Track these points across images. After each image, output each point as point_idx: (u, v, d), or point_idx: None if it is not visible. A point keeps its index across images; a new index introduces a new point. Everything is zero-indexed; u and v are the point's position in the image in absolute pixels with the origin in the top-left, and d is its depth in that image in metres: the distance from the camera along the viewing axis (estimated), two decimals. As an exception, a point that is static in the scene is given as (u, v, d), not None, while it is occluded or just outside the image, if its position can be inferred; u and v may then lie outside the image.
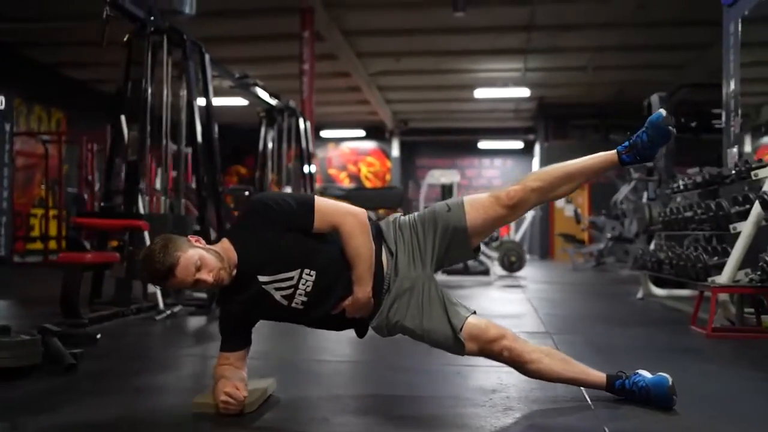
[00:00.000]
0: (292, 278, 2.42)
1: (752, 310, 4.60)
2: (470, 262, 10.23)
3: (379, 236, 2.56)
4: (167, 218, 5.28)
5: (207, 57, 5.74)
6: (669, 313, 5.61)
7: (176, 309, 5.05)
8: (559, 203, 18.32)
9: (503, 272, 9.74)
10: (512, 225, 13.51)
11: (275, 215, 2.38)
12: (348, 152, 21.05)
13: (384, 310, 2.53)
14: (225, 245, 2.43)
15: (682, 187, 6.32)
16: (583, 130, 18.81)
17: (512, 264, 9.53)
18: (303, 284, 2.43)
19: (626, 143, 2.55)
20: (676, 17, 11.96)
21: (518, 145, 20.51)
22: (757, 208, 4.49)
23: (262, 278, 2.42)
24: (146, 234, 4.79)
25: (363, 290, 2.44)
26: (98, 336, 3.72)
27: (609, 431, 2.16)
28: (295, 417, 2.37)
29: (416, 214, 2.65)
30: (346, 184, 19.88)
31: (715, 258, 4.85)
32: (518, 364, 2.51)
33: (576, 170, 2.60)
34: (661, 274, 6.07)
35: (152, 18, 5.19)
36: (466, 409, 2.48)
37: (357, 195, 7.73)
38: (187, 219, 5.69)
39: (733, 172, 5.10)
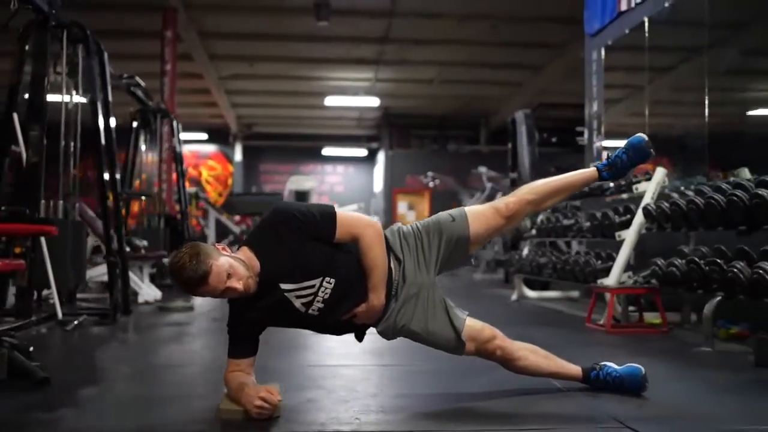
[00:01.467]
0: (313, 286, 2.50)
1: (634, 308, 5.19)
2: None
3: (386, 245, 2.69)
4: (66, 223, 5.01)
5: (105, 54, 5.50)
6: (552, 313, 6.11)
7: (81, 318, 4.82)
8: (402, 209, 19.00)
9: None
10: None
11: (301, 225, 2.45)
12: (188, 155, 20.46)
13: (392, 315, 2.66)
14: (247, 254, 2.46)
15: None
16: (423, 140, 19.71)
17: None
18: (322, 292, 2.51)
19: (605, 162, 2.85)
20: (524, 40, 12.90)
21: (362, 152, 20.99)
22: (639, 218, 5.07)
23: (285, 286, 2.48)
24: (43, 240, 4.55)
25: (378, 297, 2.57)
26: (31, 348, 3.51)
27: (609, 415, 2.44)
28: (321, 418, 2.44)
29: (418, 223, 2.80)
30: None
31: (599, 262, 5.39)
32: (508, 361, 2.75)
33: (563, 185, 2.88)
34: (540, 278, 6.61)
35: (54, 11, 4.92)
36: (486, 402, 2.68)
37: (237, 201, 7.65)
38: (82, 223, 5.42)
39: (611, 185, 5.69)
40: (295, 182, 11.02)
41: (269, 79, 15.33)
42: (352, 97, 16.01)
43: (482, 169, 11.42)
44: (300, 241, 2.46)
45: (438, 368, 3.25)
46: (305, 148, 20.62)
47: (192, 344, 4.38)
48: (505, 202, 2.80)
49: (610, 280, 5.07)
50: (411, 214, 19.01)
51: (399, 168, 18.59)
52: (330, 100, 16.03)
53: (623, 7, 6.48)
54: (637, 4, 6.28)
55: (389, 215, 18.49)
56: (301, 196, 10.60)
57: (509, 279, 8.68)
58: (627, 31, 6.53)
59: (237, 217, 12.10)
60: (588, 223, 5.78)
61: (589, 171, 2.88)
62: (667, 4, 5.87)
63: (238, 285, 2.37)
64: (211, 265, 2.32)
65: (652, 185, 5.17)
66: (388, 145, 19.12)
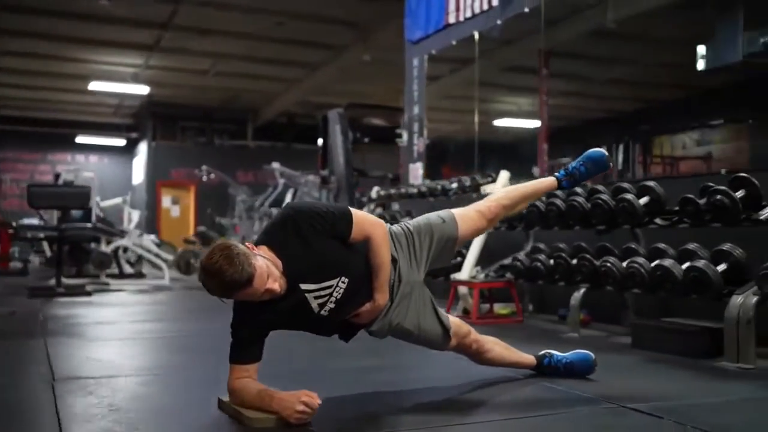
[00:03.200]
0: (331, 286, 2.47)
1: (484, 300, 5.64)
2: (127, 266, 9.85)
3: None
4: None
5: None
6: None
7: None
8: (166, 203, 18.23)
9: (179, 275, 9.57)
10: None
11: (323, 224, 2.41)
12: None
13: (388, 314, 2.71)
14: (268, 253, 2.36)
15: (375, 196, 7.21)
16: (186, 132, 19.05)
17: (189, 266, 9.44)
18: (337, 292, 2.49)
19: (563, 172, 3.11)
20: (305, 38, 13.09)
21: (120, 142, 19.73)
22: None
23: (305, 286, 2.42)
24: None
25: (384, 297, 2.60)
26: None
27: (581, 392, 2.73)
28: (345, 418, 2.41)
29: (408, 224, 2.86)
30: None
31: (458, 258, 5.77)
32: (479, 353, 2.95)
33: (530, 192, 3.11)
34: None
35: None
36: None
37: (39, 192, 6.89)
38: None
39: (454, 185, 6.12)
40: (73, 173, 10.07)
41: (26, 57, 13.85)
42: (120, 83, 15.02)
43: (275, 165, 11.40)
44: (321, 240, 2.42)
45: (384, 365, 3.32)
46: (56, 135, 18.86)
47: None
48: (487, 206, 2.97)
49: (463, 275, 5.46)
50: (175, 208, 18.33)
51: (163, 160, 17.80)
52: (95, 85, 14.88)
53: (451, 20, 6.96)
54: (467, 19, 6.78)
55: (153, 209, 17.65)
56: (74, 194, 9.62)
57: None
58: (454, 43, 7.02)
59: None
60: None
61: (550, 180, 3.11)
62: (499, 22, 6.43)
63: (276, 286, 2.29)
64: (255, 266, 2.21)
65: (498, 186, 5.66)
66: (151, 135, 18.20)
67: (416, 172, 7.45)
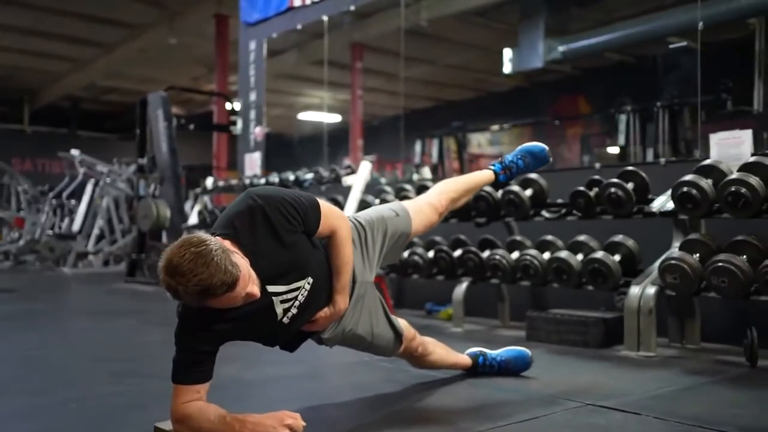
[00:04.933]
0: (298, 288, 2.12)
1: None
2: None
3: None
4: None
5: None
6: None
7: None
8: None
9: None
10: None
11: (295, 215, 2.04)
12: None
13: (343, 319, 2.38)
14: (235, 249, 1.94)
15: (211, 187, 6.72)
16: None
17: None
18: (302, 295, 2.14)
19: (499, 166, 2.94)
20: (102, 14, 11.98)
21: None
22: (349, 209, 5.30)
23: (274, 288, 2.04)
24: None
25: (345, 300, 2.29)
26: None
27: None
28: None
29: (356, 218, 2.53)
30: None
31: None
32: (423, 356, 2.73)
33: (472, 185, 2.91)
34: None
35: None
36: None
37: None
38: None
39: (309, 176, 5.81)
40: None
41: None
42: None
43: (75, 153, 10.25)
44: (295, 234, 2.06)
45: (305, 372, 2.98)
46: None
47: None
48: (438, 199, 2.74)
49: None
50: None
51: None
52: None
53: (296, 3, 6.61)
54: (314, 2, 6.48)
55: None
56: None
57: (138, 273, 8.04)
58: (299, 27, 6.69)
59: None
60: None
61: (488, 173, 2.93)
62: (352, 8, 6.21)
63: (256, 290, 1.90)
64: (239, 266, 1.81)
65: (360, 178, 5.45)
66: None
67: (254, 162, 7.01)
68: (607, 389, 2.78)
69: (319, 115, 16.27)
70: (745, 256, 3.32)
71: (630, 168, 3.94)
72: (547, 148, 2.94)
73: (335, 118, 17.15)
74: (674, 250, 3.62)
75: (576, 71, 12.91)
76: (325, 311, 2.25)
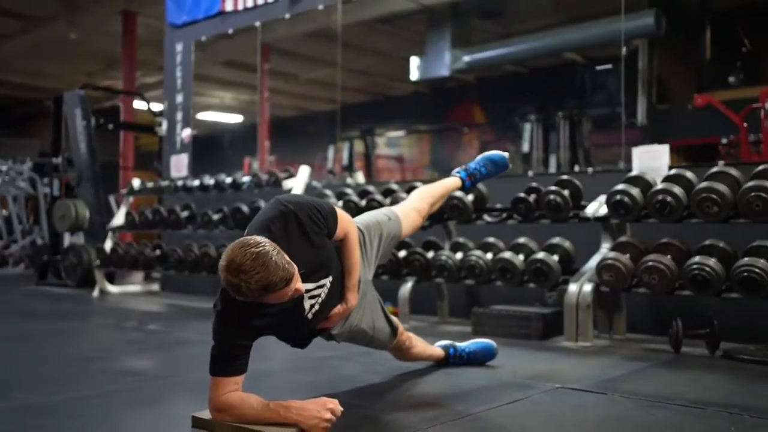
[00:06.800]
0: (323, 285, 2.34)
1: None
2: None
3: None
4: None
5: None
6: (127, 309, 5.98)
7: None
8: None
9: None
10: None
11: (321, 219, 2.27)
12: None
13: (350, 316, 2.61)
14: None
15: (138, 188, 6.72)
16: None
17: None
18: (324, 292, 2.36)
19: (464, 173, 3.22)
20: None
21: None
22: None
23: (305, 286, 2.24)
24: None
25: (355, 297, 2.52)
26: None
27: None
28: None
29: (357, 222, 2.75)
30: None
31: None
32: (408, 349, 3.00)
33: (444, 191, 3.18)
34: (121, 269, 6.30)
35: None
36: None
37: None
38: None
39: (246, 179, 5.93)
40: None
41: None
42: None
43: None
44: (320, 236, 2.28)
45: (286, 367, 3.18)
46: None
47: None
48: (420, 203, 3.03)
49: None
50: None
51: None
52: None
53: (228, 7, 6.70)
54: (248, 9, 6.59)
55: None
56: None
57: (49, 275, 7.82)
58: (231, 31, 6.77)
59: None
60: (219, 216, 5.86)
61: (455, 180, 3.20)
62: (287, 16, 6.37)
63: (302, 286, 2.10)
64: (293, 264, 2.01)
65: (299, 182, 5.64)
66: None
67: (180, 163, 7.03)
68: (566, 374, 3.14)
69: (219, 115, 16.19)
70: (669, 256, 3.78)
71: (565, 177, 4.36)
72: (507, 155, 3.26)
73: (237, 118, 17.12)
74: (606, 251, 4.06)
75: (472, 80, 13.47)
76: (338, 308, 2.47)
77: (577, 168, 8.51)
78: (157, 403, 2.67)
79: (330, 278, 2.36)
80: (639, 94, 9.76)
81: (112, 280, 7.04)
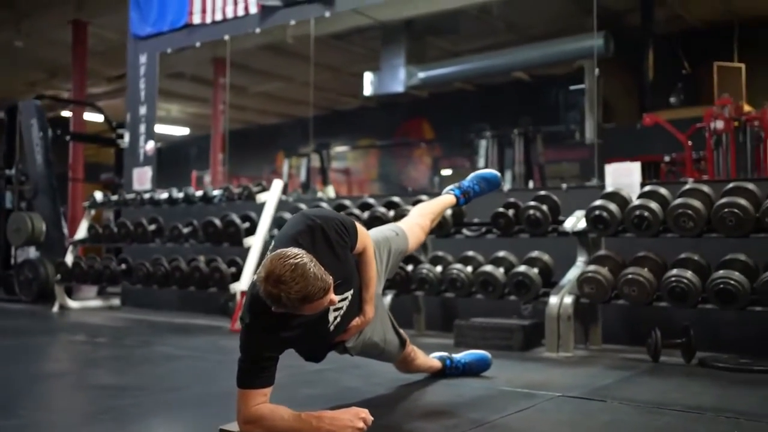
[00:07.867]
0: (346, 298, 2.39)
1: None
2: None
3: None
4: None
5: None
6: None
7: None
8: None
9: None
10: None
11: (345, 233, 2.32)
12: None
13: (364, 330, 2.66)
14: None
15: (101, 200, 6.61)
16: None
17: None
18: (346, 304, 2.41)
19: (458, 191, 3.30)
20: None
21: None
22: (265, 225, 5.49)
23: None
24: None
25: (372, 310, 2.57)
26: None
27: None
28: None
29: None
30: None
31: (233, 268, 5.55)
32: (412, 360, 3.07)
33: (441, 209, 3.27)
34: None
35: None
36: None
37: None
38: None
39: (217, 192, 5.91)
40: None
41: None
42: None
43: None
44: (345, 250, 2.33)
45: (285, 382, 3.19)
46: None
47: None
48: (422, 220, 3.12)
49: (243, 285, 5.32)
50: None
51: None
52: None
53: (196, 20, 6.67)
54: (216, 22, 6.57)
55: None
56: None
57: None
58: (198, 45, 6.74)
59: None
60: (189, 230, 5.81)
61: (450, 197, 3.28)
62: (258, 30, 6.39)
63: (335, 297, 2.14)
64: (329, 275, 2.06)
65: (272, 196, 5.65)
66: None
67: (143, 176, 6.93)
68: (559, 383, 3.25)
69: (166, 128, 15.98)
70: (647, 269, 3.94)
71: (543, 192, 4.50)
72: (499, 174, 3.38)
73: (183, 131, 16.92)
74: (583, 264, 4.21)
75: (425, 96, 13.65)
76: (357, 320, 2.52)
77: (531, 184, 8.76)
78: (165, 414, 2.65)
79: (352, 291, 2.41)
80: (587, 113, 10.08)
81: (69, 295, 6.87)
